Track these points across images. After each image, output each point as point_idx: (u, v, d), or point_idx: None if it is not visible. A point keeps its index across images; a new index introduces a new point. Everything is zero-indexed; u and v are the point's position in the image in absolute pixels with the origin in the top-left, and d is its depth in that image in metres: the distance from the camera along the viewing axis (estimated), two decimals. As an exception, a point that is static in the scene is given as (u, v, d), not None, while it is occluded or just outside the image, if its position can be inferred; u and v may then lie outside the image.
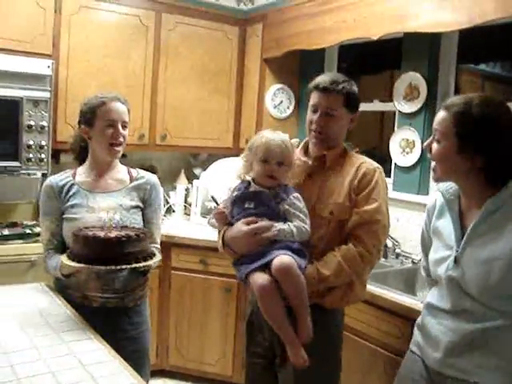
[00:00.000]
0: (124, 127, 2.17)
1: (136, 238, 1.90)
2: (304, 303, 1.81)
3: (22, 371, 1.48)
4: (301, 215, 1.89)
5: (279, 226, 1.85)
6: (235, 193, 1.97)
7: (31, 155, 3.19)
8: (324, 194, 1.99)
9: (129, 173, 2.28)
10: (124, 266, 1.87)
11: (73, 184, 2.18)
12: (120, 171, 2.27)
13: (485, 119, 1.60)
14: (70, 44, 3.35)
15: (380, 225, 1.94)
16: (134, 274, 2.13)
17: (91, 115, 2.14)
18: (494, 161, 1.62)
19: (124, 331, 2.16)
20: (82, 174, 2.22)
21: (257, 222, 1.86)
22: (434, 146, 1.69)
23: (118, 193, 2.20)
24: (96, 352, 1.65)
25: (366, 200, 1.93)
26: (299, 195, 1.92)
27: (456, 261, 1.69)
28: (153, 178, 2.31)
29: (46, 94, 3.20)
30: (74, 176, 2.21)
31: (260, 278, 1.79)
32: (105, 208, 2.11)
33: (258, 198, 1.91)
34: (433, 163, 1.74)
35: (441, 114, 1.69)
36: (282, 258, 1.78)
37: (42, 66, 3.17)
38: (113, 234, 1.88)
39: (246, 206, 1.92)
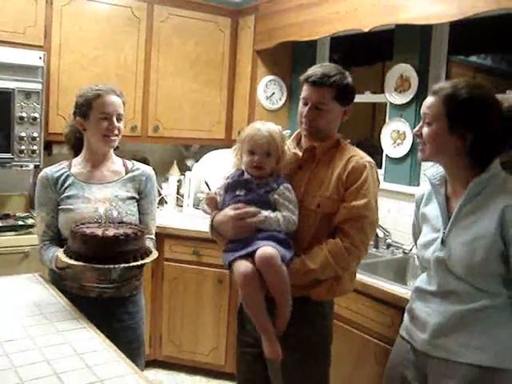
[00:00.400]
0: (119, 120, 2.18)
1: (133, 237, 1.91)
2: (284, 295, 1.82)
3: (18, 360, 1.50)
4: (290, 206, 1.90)
5: (266, 213, 1.87)
6: (228, 180, 2.00)
7: (23, 147, 3.20)
8: (312, 187, 1.98)
9: (124, 164, 2.29)
10: (121, 265, 1.88)
11: (68, 175, 2.19)
12: (115, 163, 2.28)
13: (472, 99, 1.68)
14: (61, 35, 3.35)
15: (368, 221, 1.92)
16: (130, 267, 2.15)
17: (86, 107, 2.15)
18: (483, 137, 1.68)
19: (120, 321, 2.18)
20: (77, 165, 2.23)
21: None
22: (425, 129, 1.75)
23: (114, 184, 2.21)
24: (90, 341, 1.67)
25: (355, 195, 1.92)
26: (290, 186, 1.94)
27: (443, 242, 1.75)
28: (148, 170, 2.33)
29: (38, 86, 3.20)
30: (69, 167, 2.22)
31: (243, 266, 1.81)
32: (101, 199, 2.13)
33: (248, 187, 1.93)
34: (420, 145, 1.80)
35: (430, 99, 1.75)
36: (265, 249, 1.80)
37: (33, 58, 3.17)
38: (111, 233, 1.89)
39: (237, 193, 1.94)
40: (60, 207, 2.15)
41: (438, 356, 1.73)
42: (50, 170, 2.21)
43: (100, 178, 2.21)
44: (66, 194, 2.15)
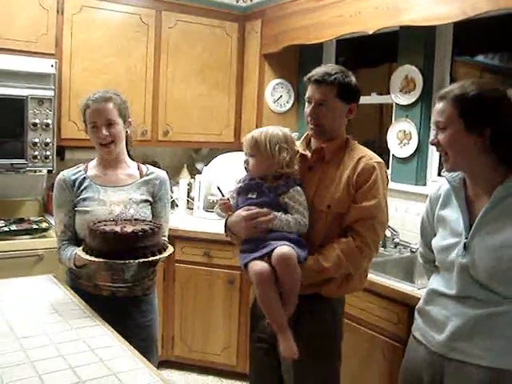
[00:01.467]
0: (110, 125, 2.20)
1: (151, 232, 1.96)
2: (294, 291, 1.87)
3: (34, 355, 1.56)
4: (300, 208, 1.95)
5: (277, 214, 1.93)
6: (240, 184, 2.06)
7: (37, 152, 3.27)
8: (322, 188, 2.02)
9: (139, 168, 2.35)
10: (140, 260, 1.94)
11: (85, 178, 2.25)
12: (130, 166, 2.33)
13: (481, 93, 1.65)
14: (72, 43, 3.43)
15: (378, 221, 1.97)
16: (143, 265, 2.18)
17: (83, 118, 2.24)
18: (501, 130, 1.65)
19: (133, 319, 2.23)
20: (92, 168, 2.30)
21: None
22: (441, 136, 1.71)
23: (129, 187, 2.27)
24: (103, 337, 1.73)
25: (365, 196, 1.96)
26: (300, 189, 1.98)
27: (466, 247, 1.71)
28: (162, 174, 2.38)
29: (50, 93, 3.27)
30: (85, 170, 2.28)
31: (259, 266, 1.86)
32: (115, 201, 2.19)
33: (259, 190, 1.98)
34: (442, 156, 1.75)
35: (439, 105, 1.72)
36: (283, 249, 1.85)
37: (45, 65, 3.24)
38: (129, 229, 1.95)
39: (250, 196, 2.00)
40: (76, 209, 2.21)
41: (456, 358, 1.72)
42: (67, 173, 2.27)
43: (115, 181, 2.27)
44: (82, 196, 2.21)
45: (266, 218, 1.92)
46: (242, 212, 1.97)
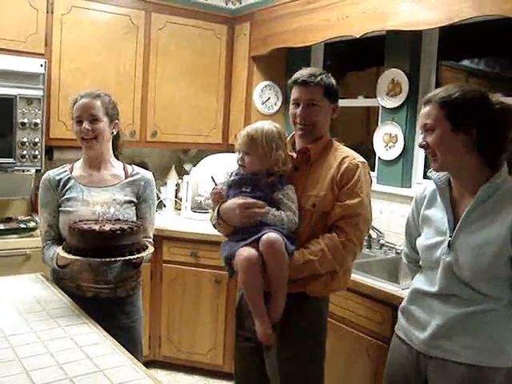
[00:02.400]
0: (93, 121, 2.21)
1: (129, 231, 1.98)
2: (281, 282, 1.92)
3: (22, 352, 1.57)
4: (292, 206, 2.00)
5: (272, 209, 1.97)
6: (233, 177, 2.09)
7: (25, 152, 3.27)
8: (308, 187, 2.06)
9: (124, 169, 2.35)
10: (118, 258, 1.95)
11: (69, 178, 2.26)
12: (115, 166, 2.34)
13: (466, 96, 1.72)
14: (62, 43, 3.44)
15: (362, 218, 2.02)
16: (126, 266, 2.21)
17: (71, 113, 2.26)
18: (486, 128, 1.71)
19: (117, 320, 2.23)
20: (78, 168, 2.31)
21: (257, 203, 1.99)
22: (429, 138, 1.77)
23: (113, 188, 2.27)
24: (90, 334, 1.75)
25: (349, 194, 2.00)
26: (293, 187, 2.03)
27: (450, 246, 1.76)
28: (147, 175, 2.39)
29: (39, 92, 3.28)
30: (71, 170, 2.29)
31: (246, 251, 1.91)
32: (99, 202, 2.19)
33: (254, 184, 2.02)
34: (430, 156, 1.81)
35: (426, 109, 1.78)
36: (271, 234, 1.91)
37: (34, 65, 3.25)
38: (107, 227, 1.96)
39: (243, 189, 2.03)
40: (60, 209, 2.22)
41: (438, 356, 1.76)
42: (52, 173, 2.29)
43: (99, 182, 2.28)
44: (66, 197, 2.23)
45: (260, 210, 1.96)
46: (237, 200, 2.01)
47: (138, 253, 2.02)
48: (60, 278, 2.25)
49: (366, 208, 2.03)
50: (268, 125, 2.05)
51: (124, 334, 2.21)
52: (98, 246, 1.92)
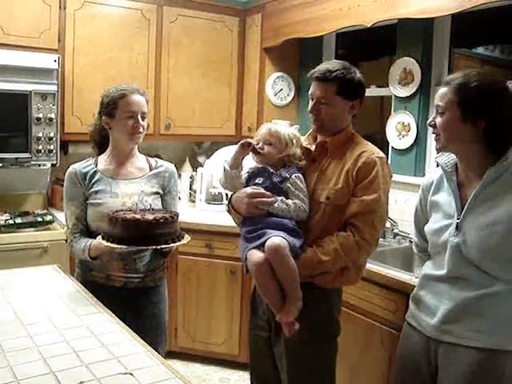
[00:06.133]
0: (143, 118, 2.26)
1: (171, 220, 2.02)
2: (292, 284, 1.91)
3: (39, 340, 1.61)
4: (300, 195, 2.00)
5: (279, 198, 1.99)
6: (248, 170, 2.13)
7: (41, 147, 3.32)
8: (323, 180, 2.05)
9: (148, 161, 2.39)
10: (163, 246, 2.00)
11: (95, 171, 2.28)
12: (140, 160, 2.38)
13: (483, 87, 1.71)
14: (75, 38, 3.48)
15: (378, 215, 1.98)
16: (156, 254, 2.27)
17: (113, 107, 2.23)
18: (495, 123, 1.71)
19: (144, 309, 2.28)
20: (103, 162, 2.32)
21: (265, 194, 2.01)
22: (438, 119, 1.78)
23: (140, 180, 2.30)
24: (105, 323, 1.78)
25: (366, 190, 1.97)
26: (301, 176, 2.04)
27: (458, 227, 1.77)
28: (171, 167, 2.43)
29: (54, 88, 3.32)
30: (96, 164, 2.31)
31: (255, 256, 1.92)
32: (128, 194, 2.23)
33: (263, 174, 2.06)
34: (435, 135, 1.82)
35: (442, 90, 1.78)
36: (274, 240, 1.90)
37: (48, 61, 3.29)
38: (150, 217, 1.99)
39: (257, 181, 2.06)
40: (89, 201, 2.24)
41: (448, 341, 1.77)
42: (78, 166, 2.30)
43: (126, 174, 2.30)
44: (94, 189, 2.24)
45: (267, 200, 1.98)
46: (247, 189, 2.04)
47: (179, 241, 2.06)
48: (89, 269, 2.27)
49: (382, 205, 1.99)
50: (290, 127, 2.12)
51: (151, 322, 2.29)
52: (142, 234, 1.96)
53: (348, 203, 1.99)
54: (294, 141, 2.06)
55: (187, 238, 2.11)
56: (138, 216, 2.00)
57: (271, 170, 2.04)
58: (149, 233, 1.96)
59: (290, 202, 1.98)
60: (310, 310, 2.01)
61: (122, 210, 2.10)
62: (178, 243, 2.04)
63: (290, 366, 2.08)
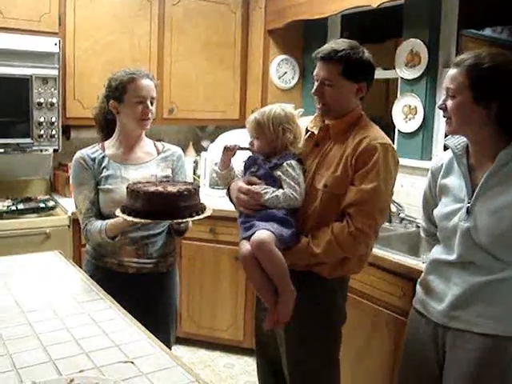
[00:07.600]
0: (152, 103, 2.22)
1: (194, 192, 1.97)
2: (280, 279, 1.86)
3: (40, 328, 1.59)
4: (291, 182, 1.93)
5: (269, 189, 1.94)
6: (245, 161, 2.10)
7: (42, 132, 3.28)
8: (323, 166, 1.98)
9: (155, 145, 2.36)
10: (188, 219, 1.95)
11: (104, 156, 2.24)
12: (147, 144, 2.35)
13: (496, 67, 1.65)
14: (75, 22, 3.42)
15: (376, 206, 1.89)
16: (170, 236, 2.28)
17: (121, 91, 2.18)
18: (509, 105, 1.66)
19: (157, 296, 2.27)
20: (110, 147, 2.28)
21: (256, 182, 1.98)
22: (449, 102, 1.72)
23: (148, 164, 2.28)
24: (107, 310, 1.76)
25: (364, 179, 1.88)
26: (294, 163, 1.96)
27: (468, 212, 1.73)
28: (178, 150, 2.41)
29: (55, 72, 3.27)
30: (103, 149, 2.27)
31: (243, 248, 1.90)
32: (138, 178, 2.18)
33: (256, 163, 2.02)
34: (446, 119, 1.77)
35: (452, 71, 1.72)
36: (259, 234, 1.86)
37: (49, 44, 3.24)
38: (174, 189, 1.93)
39: (252, 169, 2.04)
40: (100, 187, 2.20)
41: (456, 327, 1.74)
42: (85, 151, 2.26)
43: (134, 159, 2.27)
44: (104, 175, 2.20)
45: (253, 201, 1.93)
46: (239, 183, 2.00)
47: (202, 213, 2.01)
48: (102, 255, 2.23)
49: (382, 195, 1.89)
50: (277, 108, 2.00)
51: (163, 308, 2.29)
52: (166, 207, 1.90)
53: (346, 192, 1.91)
54: (281, 128, 1.97)
55: (209, 210, 2.05)
56: (160, 188, 1.94)
57: (261, 158, 2.01)
58: (173, 205, 1.90)
59: (279, 191, 1.93)
60: (308, 300, 1.97)
61: (140, 183, 2.04)
62: (202, 215, 1.98)
63: (290, 356, 2.06)
